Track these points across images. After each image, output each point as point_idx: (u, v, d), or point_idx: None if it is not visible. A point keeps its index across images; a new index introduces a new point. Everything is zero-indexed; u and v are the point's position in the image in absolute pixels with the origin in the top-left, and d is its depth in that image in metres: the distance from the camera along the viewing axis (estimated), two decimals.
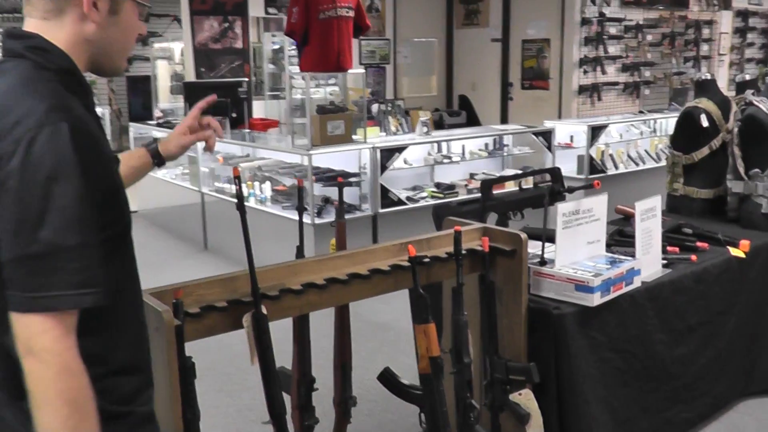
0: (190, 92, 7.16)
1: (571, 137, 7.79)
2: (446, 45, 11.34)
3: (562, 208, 2.76)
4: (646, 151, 8.25)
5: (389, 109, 6.99)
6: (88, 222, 1.23)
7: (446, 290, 2.76)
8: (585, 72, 9.62)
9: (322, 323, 2.69)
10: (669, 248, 3.29)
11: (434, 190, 6.49)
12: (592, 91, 9.69)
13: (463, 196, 6.34)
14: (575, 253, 2.83)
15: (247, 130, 7.25)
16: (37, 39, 1.35)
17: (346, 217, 5.58)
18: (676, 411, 3.17)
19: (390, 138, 6.63)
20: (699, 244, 3.39)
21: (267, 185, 6.24)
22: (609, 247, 3.06)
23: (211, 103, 1.92)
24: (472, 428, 2.51)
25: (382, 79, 10.58)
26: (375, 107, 7.34)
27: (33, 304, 1.19)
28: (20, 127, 1.21)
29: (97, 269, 1.24)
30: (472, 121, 10.66)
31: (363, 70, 6.58)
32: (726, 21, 11.11)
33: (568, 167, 7.25)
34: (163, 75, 8.81)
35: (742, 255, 3.36)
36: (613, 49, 9.80)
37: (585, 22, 9.46)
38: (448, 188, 6.50)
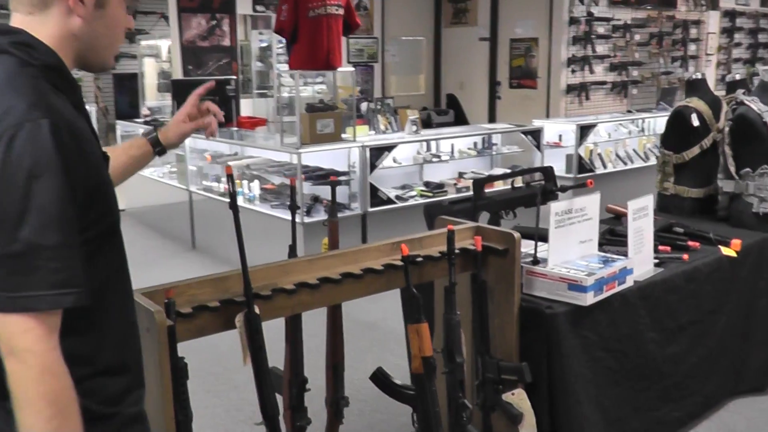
0: (178, 90, 7.12)
1: (560, 136, 7.81)
2: (434, 44, 11.34)
3: (554, 207, 2.75)
4: (634, 150, 8.28)
5: (379, 107, 6.96)
6: (69, 221, 1.21)
7: (438, 290, 2.75)
8: (573, 71, 9.65)
9: (310, 323, 2.67)
10: (660, 247, 3.29)
11: (423, 189, 6.48)
12: (580, 90, 9.71)
13: (452, 195, 6.34)
14: (568, 253, 2.82)
15: (236, 129, 7.22)
16: (22, 35, 1.32)
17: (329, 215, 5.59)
18: (666, 410, 3.17)
19: (379, 137, 6.62)
20: (690, 243, 3.39)
21: (255, 184, 6.21)
22: (600, 246, 3.05)
23: (208, 89, 1.90)
24: (465, 428, 2.49)
25: (370, 78, 10.56)
26: (364, 105, 7.32)
27: (12, 304, 1.16)
28: (0, 125, 1.19)
29: (78, 269, 1.21)
30: (460, 120, 10.67)
31: (352, 69, 6.55)
32: (713, 21, 11.16)
33: (557, 166, 7.16)
34: (150, 73, 8.77)
35: (734, 254, 3.36)
36: (601, 48, 9.83)
37: (573, 21, 9.49)
38: (438, 187, 6.49)
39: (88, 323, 1.32)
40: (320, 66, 5.63)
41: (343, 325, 2.57)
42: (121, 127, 8.16)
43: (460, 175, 6.86)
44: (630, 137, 8.33)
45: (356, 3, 9.99)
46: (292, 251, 2.41)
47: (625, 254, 2.97)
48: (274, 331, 2.35)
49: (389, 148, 6.12)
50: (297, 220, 5.67)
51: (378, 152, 5.98)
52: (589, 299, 2.67)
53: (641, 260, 3.05)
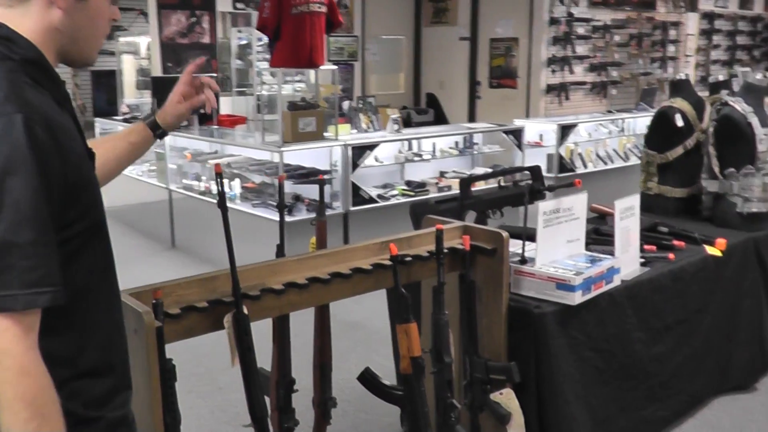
0: (158, 87, 7.05)
1: (541, 136, 7.82)
2: (414, 43, 11.33)
3: (543, 206, 2.74)
4: (614, 150, 8.32)
5: (361, 106, 6.93)
6: (44, 218, 1.17)
7: (425, 289, 2.73)
8: (553, 71, 9.67)
9: (294, 323, 2.64)
10: (646, 247, 3.30)
11: (405, 188, 6.47)
12: (559, 90, 9.73)
13: (434, 194, 6.33)
14: (555, 252, 2.82)
15: (216, 127, 7.16)
16: (2, 28, 1.28)
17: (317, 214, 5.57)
18: (653, 409, 3.18)
19: (361, 135, 6.59)
20: (675, 242, 3.40)
21: (236, 182, 6.16)
22: (586, 245, 3.05)
23: (200, 66, 1.86)
24: (453, 428, 2.48)
25: (350, 77, 10.52)
26: (346, 104, 7.29)
27: None
28: None
29: (53, 267, 1.17)
30: (440, 119, 10.66)
31: (335, 67, 6.52)
32: (692, 23, 11.24)
33: None
34: (128, 70, 8.67)
35: (719, 254, 3.38)
36: (581, 48, 9.85)
37: (553, 21, 9.50)
38: (419, 186, 6.48)
39: (69, 323, 1.28)
40: (303, 64, 5.59)
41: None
42: (100, 124, 8.07)
43: (442, 174, 6.85)
44: (610, 137, 8.37)
45: (337, 1, 9.95)
46: (280, 251, 2.38)
47: (612, 253, 2.97)
48: (259, 331, 2.32)
49: (371, 147, 6.09)
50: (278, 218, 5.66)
51: (360, 151, 5.96)
52: (577, 298, 2.67)
53: (628, 260, 3.06)
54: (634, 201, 3.14)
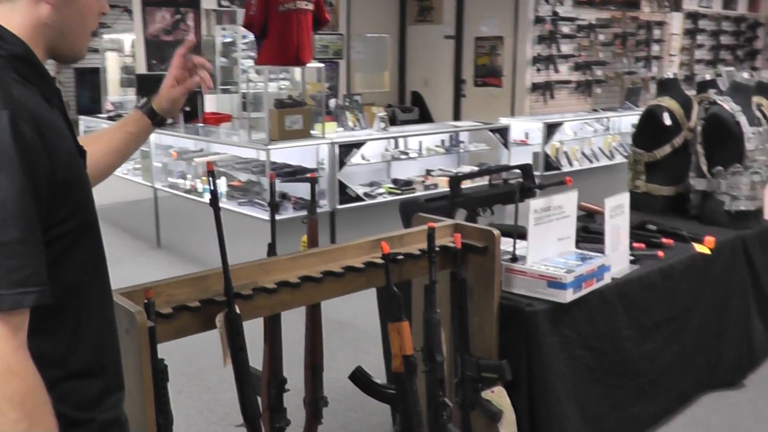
0: (143, 85, 6.99)
1: (526, 134, 7.84)
2: (399, 41, 11.31)
3: (534, 204, 2.74)
4: (600, 148, 8.34)
5: (347, 104, 6.92)
6: (30, 217, 1.14)
7: (416, 288, 2.72)
8: (538, 70, 9.69)
9: (283, 322, 2.62)
10: (635, 244, 3.31)
11: (391, 186, 6.46)
12: (544, 89, 9.76)
13: (420, 192, 6.34)
14: (546, 250, 2.82)
15: (201, 125, 7.11)
16: None
17: (303, 213, 5.54)
18: (642, 406, 3.19)
19: (348, 133, 6.57)
20: (664, 240, 3.41)
21: (222, 180, 6.12)
22: (576, 243, 3.05)
23: (191, 48, 1.82)
24: (444, 427, 2.47)
25: (335, 75, 10.49)
26: (332, 102, 7.27)
27: None
28: None
29: (40, 266, 1.15)
30: (425, 117, 10.65)
31: (322, 65, 6.50)
32: (676, 22, 11.31)
33: None
34: (112, 67, 8.60)
35: (708, 251, 3.39)
36: (566, 47, 9.89)
37: (538, 20, 9.53)
38: (406, 184, 6.48)
39: (60, 322, 1.26)
40: (290, 61, 5.57)
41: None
42: (84, 122, 7.99)
43: (428, 172, 6.86)
44: (596, 136, 8.41)
45: None
46: (272, 249, 2.36)
47: (601, 251, 2.97)
48: (250, 331, 2.30)
49: (358, 145, 6.08)
50: (266, 217, 5.64)
51: (347, 149, 5.94)
52: (568, 296, 2.67)
53: (618, 258, 3.06)
54: (624, 199, 3.15)
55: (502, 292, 2.71)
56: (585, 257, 2.86)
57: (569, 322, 2.76)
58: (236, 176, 6.16)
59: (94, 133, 1.79)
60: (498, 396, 2.62)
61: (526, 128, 7.86)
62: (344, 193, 5.95)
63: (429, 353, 2.44)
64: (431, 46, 10.81)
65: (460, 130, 7.15)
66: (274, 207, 2.41)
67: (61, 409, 1.20)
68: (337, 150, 5.83)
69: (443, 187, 6.46)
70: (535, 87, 9.69)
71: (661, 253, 3.26)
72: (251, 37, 6.27)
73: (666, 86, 4.19)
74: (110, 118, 7.42)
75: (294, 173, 5.66)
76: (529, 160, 7.50)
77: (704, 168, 3.85)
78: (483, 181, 3.39)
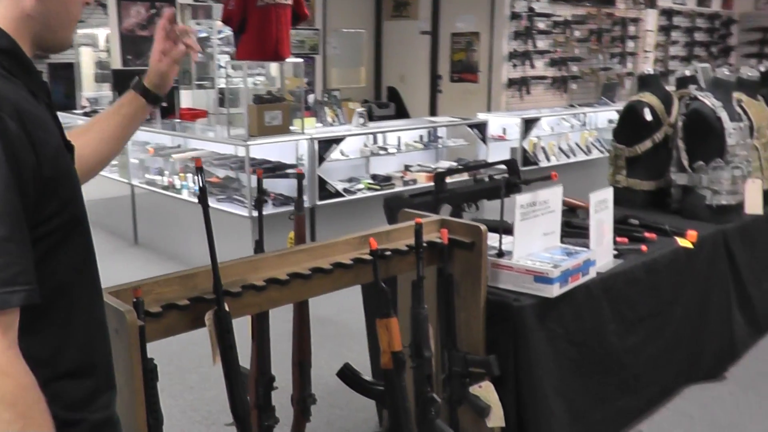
0: (119, 80, 6.90)
1: (504, 129, 7.86)
2: (375, 36, 11.29)
3: (520, 199, 2.74)
4: (576, 143, 8.39)
5: (326, 99, 6.89)
6: (16, 214, 1.12)
7: (403, 284, 2.71)
8: (514, 66, 9.73)
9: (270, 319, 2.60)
10: (618, 239, 3.32)
11: (370, 181, 6.44)
12: (520, 84, 9.80)
13: (399, 188, 6.33)
14: (532, 245, 2.82)
15: (178, 120, 7.05)
16: None
17: (283, 209, 5.52)
18: (626, 400, 3.21)
19: (327, 129, 6.54)
20: (647, 234, 3.43)
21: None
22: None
23: (171, 18, 1.77)
24: (433, 423, 2.46)
25: (311, 70, 10.45)
26: (311, 97, 7.24)
27: None
28: None
29: (27, 265, 1.12)
30: (401, 113, 10.64)
31: (301, 60, 6.46)
32: (651, 19, 11.41)
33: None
34: (86, 62, 8.48)
35: (690, 245, 3.41)
36: (542, 43, 9.93)
37: (514, 16, 9.56)
38: (384, 180, 6.47)
39: (49, 321, 1.24)
40: (269, 57, 5.52)
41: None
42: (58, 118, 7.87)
43: (407, 167, 6.85)
44: (572, 131, 8.46)
45: None
46: (259, 246, 2.34)
47: (585, 246, 2.98)
48: (238, 329, 2.27)
49: (337, 140, 6.06)
50: (246, 214, 5.59)
51: (326, 145, 5.92)
52: (555, 291, 2.67)
53: (602, 252, 3.07)
54: (608, 194, 3.16)
55: (489, 288, 2.70)
56: (570, 252, 2.87)
57: (556, 317, 2.77)
58: (214, 173, 6.11)
59: (83, 125, 1.74)
60: (485, 391, 2.62)
61: (503, 124, 7.89)
62: (324, 189, 5.93)
63: (417, 349, 2.42)
64: (407, 42, 10.81)
65: (439, 125, 7.14)
66: (261, 203, 2.39)
67: (52, 410, 1.18)
68: (316, 146, 5.80)
69: (422, 182, 6.46)
70: (511, 83, 9.72)
71: (644, 248, 3.28)
72: (227, 31, 6.21)
73: (646, 82, 4.22)
74: (86, 114, 7.32)
75: (274, 169, 5.63)
76: (507, 156, 7.56)
77: (685, 163, 3.88)
78: (464, 177, 3.40)
